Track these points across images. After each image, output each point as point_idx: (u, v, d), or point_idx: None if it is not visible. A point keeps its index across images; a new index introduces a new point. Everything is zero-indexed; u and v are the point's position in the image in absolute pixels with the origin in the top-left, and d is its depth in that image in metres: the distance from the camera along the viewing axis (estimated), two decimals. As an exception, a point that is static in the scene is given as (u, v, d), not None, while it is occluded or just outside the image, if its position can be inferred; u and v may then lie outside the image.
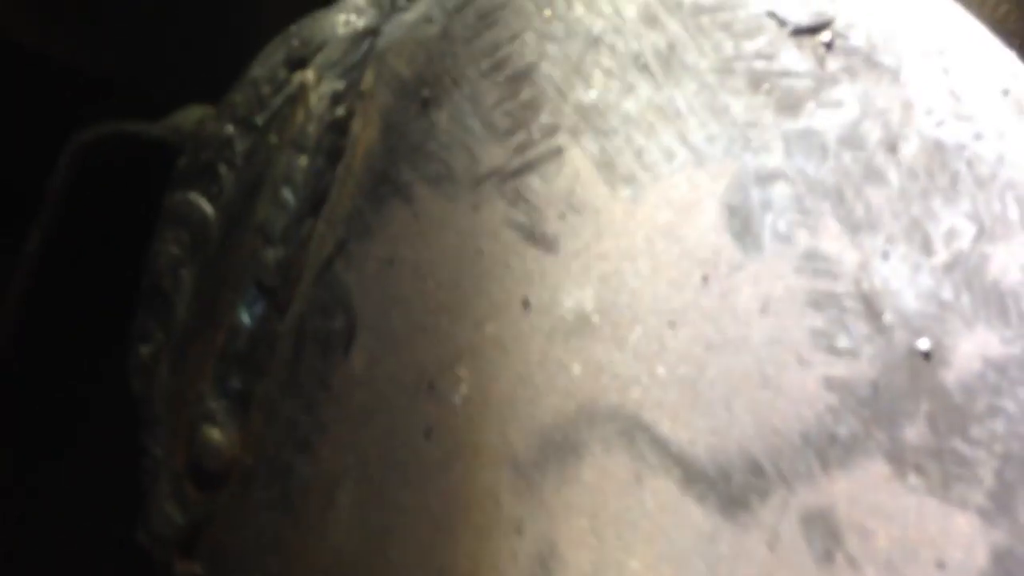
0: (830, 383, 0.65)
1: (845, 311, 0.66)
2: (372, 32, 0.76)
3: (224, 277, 0.76)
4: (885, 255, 0.66)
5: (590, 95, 0.70)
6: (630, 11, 0.72)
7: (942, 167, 0.68)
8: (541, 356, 0.68)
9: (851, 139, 0.68)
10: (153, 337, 0.77)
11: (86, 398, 1.08)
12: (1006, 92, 0.69)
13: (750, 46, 0.70)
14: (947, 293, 0.65)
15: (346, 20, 0.76)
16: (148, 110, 0.82)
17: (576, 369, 0.67)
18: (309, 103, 0.76)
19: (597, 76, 0.71)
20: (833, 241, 0.67)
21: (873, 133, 0.68)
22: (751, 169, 0.68)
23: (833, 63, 0.70)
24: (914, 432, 0.63)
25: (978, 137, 0.68)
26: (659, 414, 0.66)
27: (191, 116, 0.79)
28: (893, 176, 0.68)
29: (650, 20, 0.71)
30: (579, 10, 0.72)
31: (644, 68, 0.70)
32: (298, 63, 0.77)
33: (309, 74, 0.76)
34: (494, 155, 0.71)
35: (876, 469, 0.63)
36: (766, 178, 0.68)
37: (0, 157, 1.01)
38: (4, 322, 0.92)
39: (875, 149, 0.68)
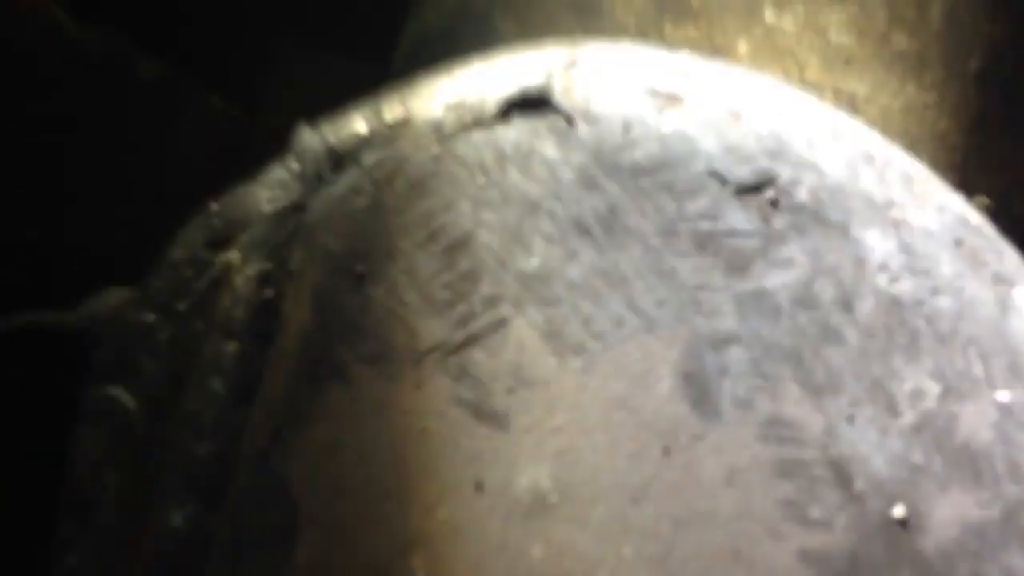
0: (806, 556, 0.65)
1: (814, 479, 0.66)
2: (299, 208, 0.76)
3: (151, 477, 0.74)
4: (850, 419, 0.67)
5: (531, 263, 0.71)
6: (567, 175, 0.73)
7: (901, 324, 0.69)
8: (499, 540, 0.67)
9: (804, 299, 0.70)
10: (77, 546, 0.75)
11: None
12: (959, 243, 0.72)
13: (693, 207, 0.72)
14: (918, 456, 0.67)
15: (270, 196, 0.77)
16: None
17: (537, 552, 0.66)
18: (235, 286, 0.75)
19: (537, 243, 0.72)
20: (795, 406, 0.68)
21: (826, 292, 0.70)
22: (704, 333, 0.69)
23: (779, 221, 0.72)
24: (897, 605, 0.64)
25: (935, 292, 0.70)
26: (628, 601, 0.65)
27: (107, 302, 0.78)
28: (851, 335, 0.69)
29: (588, 183, 0.73)
30: (514, 176, 0.74)
31: (586, 233, 0.72)
32: (221, 243, 0.77)
33: (233, 255, 0.76)
34: (435, 330, 0.71)
35: (861, 648, 0.63)
36: (721, 342, 0.69)
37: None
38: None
39: (830, 308, 0.70)
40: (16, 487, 0.96)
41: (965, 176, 0.88)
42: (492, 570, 0.66)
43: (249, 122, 1.15)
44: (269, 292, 0.75)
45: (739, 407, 0.68)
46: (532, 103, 0.75)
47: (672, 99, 0.75)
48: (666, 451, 0.67)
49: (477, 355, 0.70)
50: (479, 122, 0.75)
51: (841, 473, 0.66)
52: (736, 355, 0.68)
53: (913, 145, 0.86)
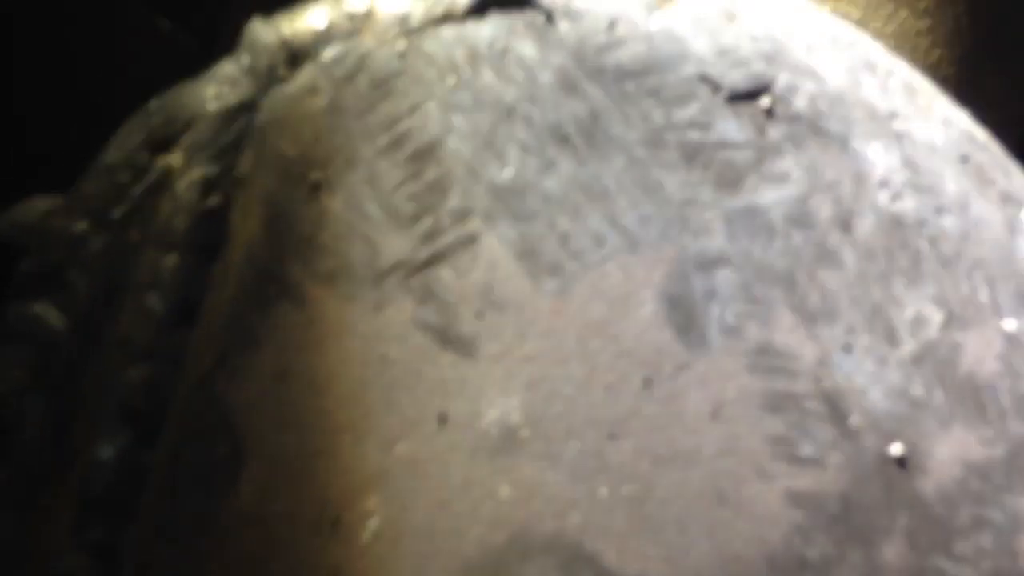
0: (795, 498, 0.63)
1: (806, 414, 0.64)
2: (248, 107, 0.72)
3: (79, 403, 0.71)
4: (846, 348, 0.65)
5: (505, 174, 0.68)
6: (546, 77, 0.70)
7: (902, 246, 0.67)
8: (463, 479, 0.65)
9: (800, 217, 0.68)
10: (-5, 478, 0.72)
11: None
12: (965, 159, 0.70)
13: (682, 114, 0.69)
14: (918, 389, 0.65)
15: (217, 93, 0.73)
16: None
17: (504, 492, 0.64)
18: (176, 192, 0.72)
19: (512, 152, 0.69)
20: (787, 334, 0.66)
21: (824, 209, 0.68)
22: (691, 254, 0.67)
23: (775, 131, 0.69)
24: (892, 551, 0.62)
25: (939, 211, 0.68)
26: (604, 542, 0.63)
27: (34, 210, 0.74)
28: (849, 257, 0.67)
29: (569, 87, 0.70)
30: (487, 77, 0.70)
31: (565, 141, 0.69)
32: (161, 145, 0.73)
33: (175, 158, 0.73)
34: (398, 246, 0.68)
35: (853, 595, 0.62)
36: (708, 264, 0.67)
37: None
38: None
39: (827, 227, 0.67)
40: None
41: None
42: (455, 511, 0.64)
43: (203, 52, 1.13)
44: (214, 200, 0.71)
45: (727, 334, 0.65)
46: (507, -4, 0.72)
47: (661, -5, 0.72)
48: (647, 382, 0.65)
49: (443, 274, 0.67)
50: (450, 16, 0.72)
51: (835, 407, 0.64)
52: (725, 278, 0.66)
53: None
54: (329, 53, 0.73)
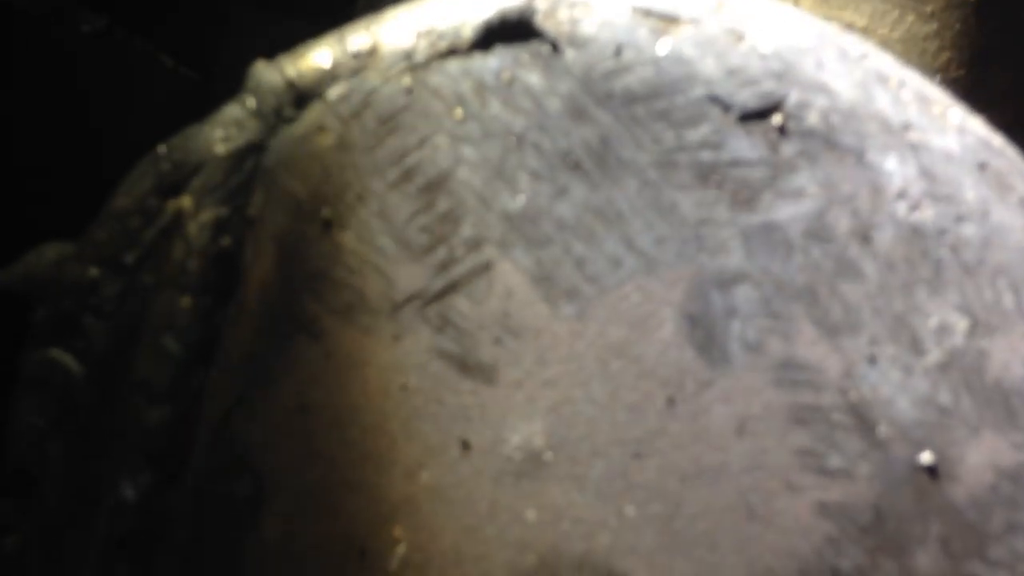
0: (826, 510, 0.67)
1: (833, 426, 0.69)
2: (256, 148, 0.78)
3: (101, 447, 0.76)
4: (871, 359, 0.70)
5: (517, 201, 0.74)
6: (554, 105, 0.76)
7: (923, 255, 0.72)
8: (489, 504, 0.69)
9: (818, 231, 0.73)
10: (18, 527, 0.77)
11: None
12: (983, 166, 0.75)
13: (693, 135, 0.75)
14: (945, 397, 0.70)
15: (224, 136, 0.79)
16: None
17: (531, 516, 0.69)
18: (188, 235, 0.77)
19: (523, 179, 0.74)
20: (811, 347, 0.71)
21: (842, 223, 0.73)
22: (709, 272, 0.72)
23: (788, 148, 0.75)
24: (927, 559, 0.67)
25: (959, 219, 0.73)
26: (634, 561, 0.68)
27: (44, 258, 0.80)
28: (869, 269, 0.72)
29: (577, 113, 0.76)
30: (495, 107, 0.76)
31: (576, 167, 0.74)
32: (171, 190, 0.79)
33: (185, 201, 0.78)
34: (412, 277, 0.73)
35: (889, 605, 0.66)
36: (727, 281, 0.72)
37: None
38: None
39: (846, 240, 0.73)
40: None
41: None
42: (482, 537, 0.69)
43: (205, 85, 1.18)
44: (226, 241, 0.76)
45: (749, 350, 0.70)
46: (513, 27, 0.78)
47: (667, 19, 0.78)
48: (670, 401, 0.70)
49: (460, 303, 0.73)
50: (455, 50, 0.78)
51: (862, 418, 0.69)
52: (744, 294, 0.71)
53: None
54: (335, 92, 0.79)
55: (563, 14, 0.78)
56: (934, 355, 0.71)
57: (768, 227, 0.73)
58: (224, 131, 0.79)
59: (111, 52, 1.12)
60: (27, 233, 0.84)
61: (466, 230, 0.74)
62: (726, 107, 0.76)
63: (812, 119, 0.76)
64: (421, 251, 0.74)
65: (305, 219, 0.76)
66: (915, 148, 0.76)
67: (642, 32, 0.78)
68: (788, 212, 0.73)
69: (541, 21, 0.78)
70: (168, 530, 0.74)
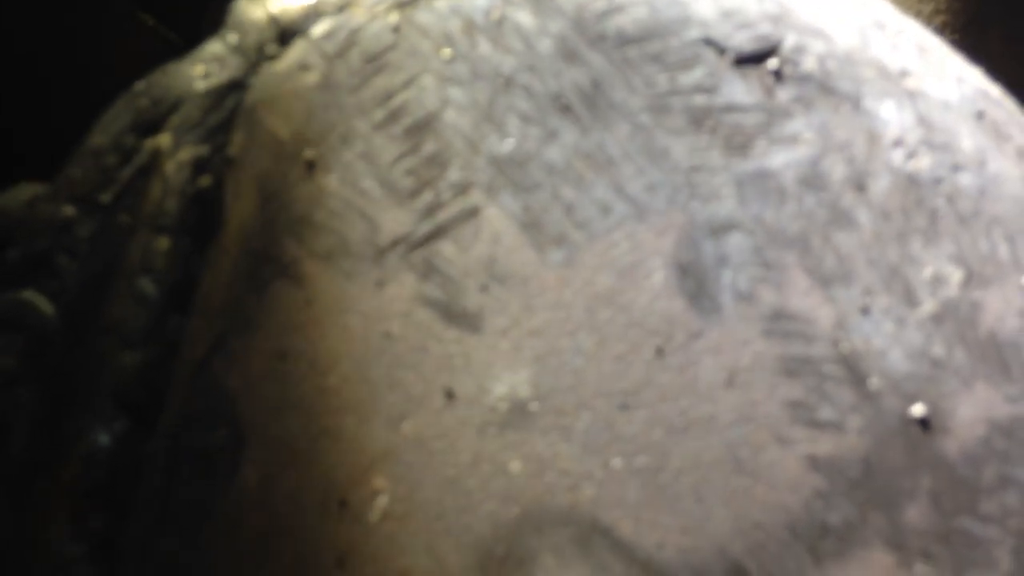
0: (815, 463, 0.67)
1: (824, 378, 0.68)
2: (237, 85, 0.76)
3: (73, 392, 0.74)
4: (864, 310, 0.69)
5: (506, 145, 0.72)
6: (545, 46, 0.74)
7: (918, 205, 0.71)
8: (472, 455, 0.68)
9: (812, 179, 0.71)
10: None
11: None
12: (980, 115, 0.74)
13: (687, 79, 0.73)
14: (938, 349, 0.68)
15: (204, 72, 0.77)
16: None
17: (515, 467, 0.68)
18: (166, 174, 0.76)
19: (512, 122, 0.73)
20: (803, 297, 0.69)
21: (836, 170, 0.72)
22: (701, 220, 0.71)
23: (784, 93, 0.73)
24: (917, 513, 0.66)
25: (956, 169, 0.72)
26: (619, 514, 0.67)
27: (19, 197, 0.78)
28: (864, 218, 0.71)
29: (569, 55, 0.74)
30: (484, 47, 0.74)
31: (567, 110, 0.73)
32: (149, 127, 0.77)
33: (163, 139, 0.76)
34: (397, 221, 0.72)
35: (877, 559, 0.65)
36: (719, 229, 0.71)
37: None
38: None
39: (841, 189, 0.71)
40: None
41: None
42: (465, 487, 0.67)
43: (188, 47, 1.17)
44: (205, 181, 0.75)
45: (740, 300, 0.69)
46: (501, -36, 0.76)
47: (660, -42, 0.76)
48: (659, 351, 0.69)
49: (446, 248, 0.71)
50: (442, -14, 0.76)
51: (854, 370, 0.68)
52: (736, 243, 0.70)
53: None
54: (319, 29, 0.77)
55: (554, -48, 0.76)
56: (928, 306, 0.69)
57: (761, 174, 0.71)
58: (204, 67, 0.77)
59: (89, 8, 1.10)
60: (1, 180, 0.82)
61: (453, 174, 0.72)
62: (721, 50, 0.74)
63: (808, 64, 0.74)
64: (406, 195, 0.72)
65: (287, 160, 0.74)
66: (912, 95, 0.74)
67: (635, -28, 0.76)
68: (782, 159, 0.72)
69: (532, -41, 0.76)
70: (142, 479, 0.72)
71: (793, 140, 0.72)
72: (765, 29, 0.74)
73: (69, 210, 0.76)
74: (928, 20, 0.95)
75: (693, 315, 0.69)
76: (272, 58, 0.76)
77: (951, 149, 0.72)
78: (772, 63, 0.74)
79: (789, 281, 0.70)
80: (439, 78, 0.74)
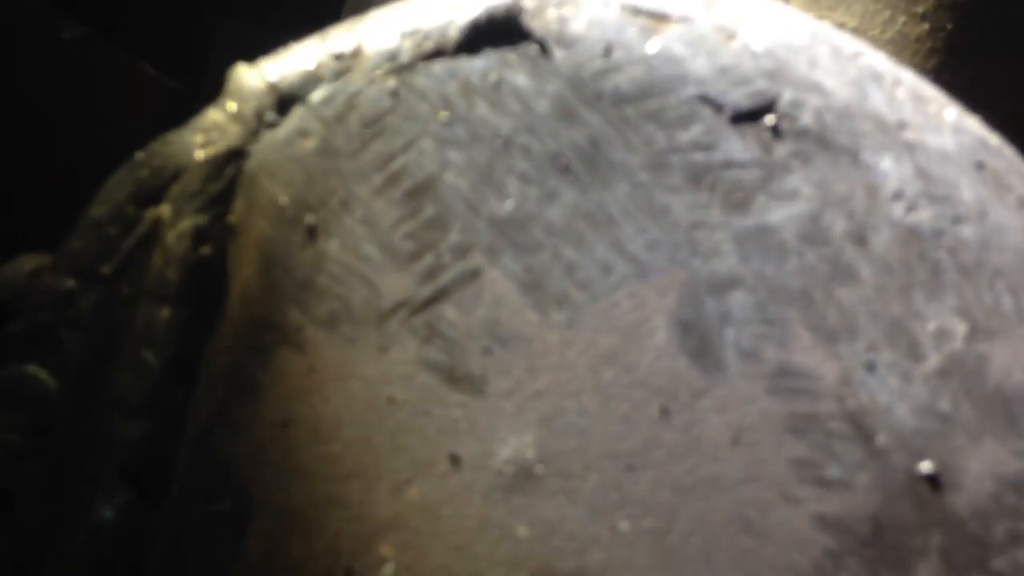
0: (824, 522, 0.65)
1: (831, 435, 0.66)
2: (237, 153, 0.75)
3: (78, 466, 0.73)
4: (868, 365, 0.67)
5: (506, 206, 0.71)
6: (542, 106, 0.73)
7: (920, 258, 0.70)
8: (479, 521, 0.67)
9: (813, 234, 0.70)
10: (-5, 547, 0.74)
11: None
12: (980, 166, 0.72)
13: (684, 137, 0.72)
14: (945, 404, 0.67)
15: (204, 141, 0.76)
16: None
17: (523, 532, 0.66)
18: (167, 244, 0.74)
19: (512, 183, 0.71)
20: (807, 354, 0.68)
21: (837, 225, 0.70)
22: (702, 277, 0.69)
23: (781, 149, 0.72)
24: (928, 571, 0.64)
25: (957, 221, 0.70)
26: (627, 579, 0.65)
27: (20, 269, 0.77)
28: (866, 272, 0.69)
29: (567, 115, 0.73)
30: (482, 109, 0.73)
31: (566, 170, 0.71)
32: (149, 197, 0.76)
33: (164, 209, 0.75)
34: (399, 285, 0.71)
35: (890, 620, 0.63)
36: (721, 286, 0.69)
37: None
38: None
39: (841, 243, 0.70)
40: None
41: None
42: (472, 555, 0.66)
43: (191, 97, 1.16)
44: (206, 250, 0.74)
45: (744, 358, 0.68)
46: (500, 27, 0.75)
47: (657, 17, 0.75)
48: (664, 411, 0.67)
49: (447, 312, 0.70)
50: (441, 50, 0.75)
51: (860, 427, 0.66)
52: (739, 300, 0.68)
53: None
54: (318, 95, 0.76)
55: (551, 13, 0.75)
56: (933, 361, 0.68)
57: (762, 230, 0.70)
58: (204, 136, 0.76)
59: (90, 60, 1.10)
60: (4, 246, 0.81)
61: (453, 236, 0.71)
62: (718, 107, 0.73)
63: (806, 118, 0.73)
64: (407, 258, 0.71)
65: (288, 226, 0.73)
66: (911, 147, 0.73)
67: (632, 31, 0.75)
68: (782, 214, 0.70)
69: (529, 20, 0.75)
70: (148, 551, 0.71)
71: (792, 195, 0.71)
72: (761, 85, 0.73)
73: (71, 282, 0.75)
74: (925, 59, 0.94)
75: (697, 373, 0.68)
76: (271, 125, 0.75)
77: (951, 201, 0.71)
78: (769, 119, 0.73)
79: (792, 337, 0.68)
80: (438, 141, 0.73)
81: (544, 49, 0.74)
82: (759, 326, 0.68)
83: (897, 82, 0.76)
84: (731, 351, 0.68)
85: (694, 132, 0.72)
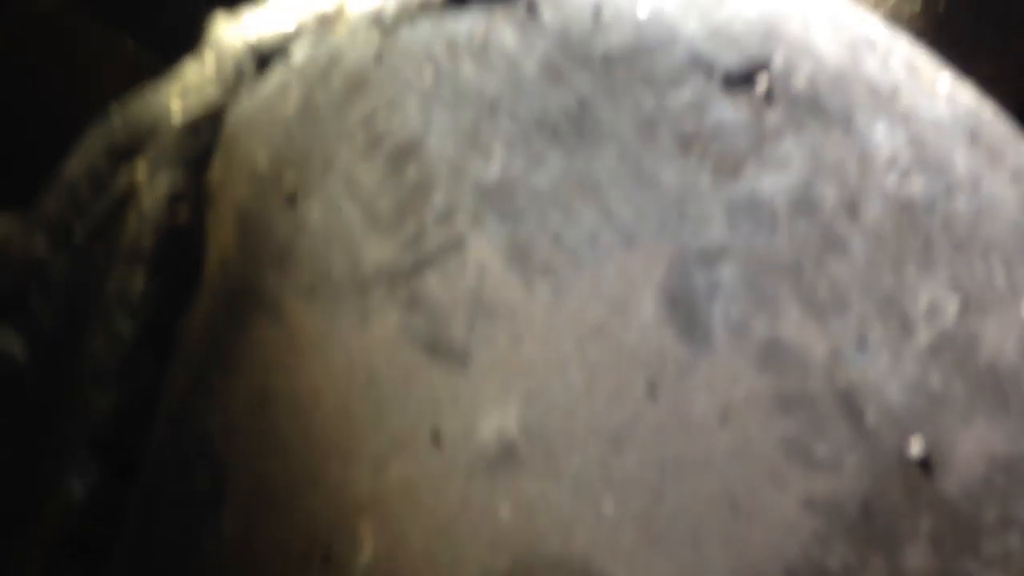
0: (812, 504, 0.60)
1: (820, 413, 0.61)
2: (216, 113, 0.69)
3: (48, 438, 0.68)
4: (859, 341, 0.62)
5: (491, 171, 0.65)
6: (530, 68, 0.67)
7: (912, 229, 0.64)
8: (461, 500, 0.61)
9: (804, 203, 0.64)
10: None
11: None
12: (974, 136, 0.67)
13: (675, 100, 0.66)
14: (936, 382, 0.62)
15: (181, 99, 0.70)
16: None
17: (505, 512, 0.61)
18: (142, 206, 0.68)
19: (497, 148, 0.65)
20: (797, 328, 0.63)
21: (828, 195, 0.65)
22: (691, 248, 0.64)
23: (773, 114, 0.66)
24: (916, 555, 0.59)
25: (950, 191, 0.65)
26: (612, 560, 0.60)
27: (-9, 231, 0.71)
28: (857, 244, 0.64)
29: (554, 77, 0.67)
30: (468, 70, 0.67)
31: (553, 134, 0.65)
32: (124, 156, 0.69)
33: (140, 170, 0.69)
34: (381, 252, 0.65)
35: (878, 604, 0.59)
36: (710, 257, 0.63)
37: None
38: None
39: (833, 214, 0.64)
40: None
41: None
42: (454, 535, 0.60)
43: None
44: (183, 214, 0.67)
45: (732, 332, 0.62)
46: (486, -15, 0.69)
47: (647, -24, 0.69)
48: (651, 387, 0.62)
49: (430, 281, 0.64)
50: (426, 9, 0.68)
51: (850, 405, 0.61)
52: (728, 271, 0.63)
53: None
54: (299, 53, 0.69)
55: (539, -30, 0.69)
56: (924, 337, 0.62)
57: (752, 199, 0.64)
58: (182, 95, 0.70)
59: (70, 33, 1.04)
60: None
61: (437, 201, 0.65)
62: (709, 70, 0.67)
63: (798, 83, 0.67)
64: (390, 224, 0.65)
65: (267, 189, 0.67)
66: (904, 115, 0.67)
67: (621, -10, 0.69)
68: (773, 183, 0.65)
69: (516, -23, 0.69)
70: (120, 528, 0.66)
71: (784, 163, 0.65)
72: (753, 48, 0.67)
73: (42, 245, 0.69)
74: (917, 37, 0.89)
75: (685, 348, 0.62)
76: (251, 84, 0.69)
77: (944, 171, 0.65)
78: (761, 83, 0.67)
79: (782, 311, 0.63)
80: (422, 101, 0.67)
81: (532, 8, 0.68)
82: (748, 299, 0.63)
83: (891, 49, 0.70)
84: (719, 325, 0.62)
85: (684, 95, 0.66)
